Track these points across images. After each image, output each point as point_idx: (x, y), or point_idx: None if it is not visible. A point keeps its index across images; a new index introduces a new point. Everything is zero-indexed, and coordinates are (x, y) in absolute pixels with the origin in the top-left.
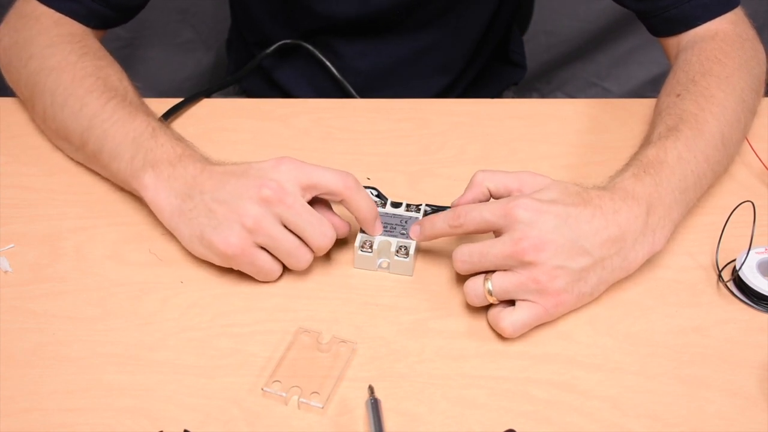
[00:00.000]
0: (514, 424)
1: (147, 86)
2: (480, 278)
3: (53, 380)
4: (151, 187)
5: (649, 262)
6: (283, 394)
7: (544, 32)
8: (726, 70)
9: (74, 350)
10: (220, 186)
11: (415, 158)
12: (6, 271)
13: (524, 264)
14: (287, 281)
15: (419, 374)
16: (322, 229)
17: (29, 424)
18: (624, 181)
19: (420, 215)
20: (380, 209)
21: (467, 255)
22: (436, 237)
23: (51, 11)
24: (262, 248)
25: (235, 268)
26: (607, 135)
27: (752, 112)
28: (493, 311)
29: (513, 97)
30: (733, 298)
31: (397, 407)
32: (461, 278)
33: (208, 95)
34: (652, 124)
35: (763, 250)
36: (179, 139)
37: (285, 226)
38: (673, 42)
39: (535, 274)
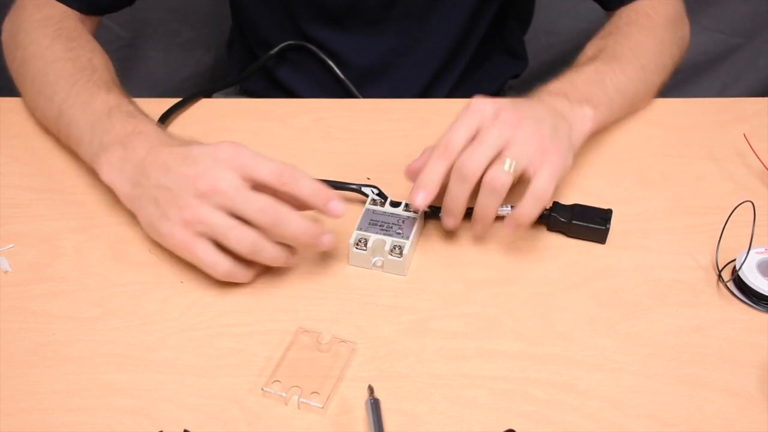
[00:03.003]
0: (514, 424)
1: (147, 86)
2: (497, 165)
3: (53, 380)
4: (105, 171)
5: (649, 262)
6: (283, 394)
7: (544, 32)
8: (650, 21)
9: (74, 350)
10: (162, 172)
11: (415, 158)
12: (6, 271)
13: (512, 122)
14: (287, 281)
15: (419, 374)
16: (257, 205)
17: (29, 424)
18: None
19: (417, 215)
20: (379, 208)
21: (471, 156)
22: (435, 182)
23: None
24: (216, 243)
25: (187, 259)
26: (607, 135)
27: (672, 59)
28: (512, 215)
29: (514, 96)
30: (733, 298)
31: (397, 407)
32: (461, 279)
33: (209, 95)
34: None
35: (763, 250)
36: (132, 115)
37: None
38: (621, 14)
39: (527, 129)
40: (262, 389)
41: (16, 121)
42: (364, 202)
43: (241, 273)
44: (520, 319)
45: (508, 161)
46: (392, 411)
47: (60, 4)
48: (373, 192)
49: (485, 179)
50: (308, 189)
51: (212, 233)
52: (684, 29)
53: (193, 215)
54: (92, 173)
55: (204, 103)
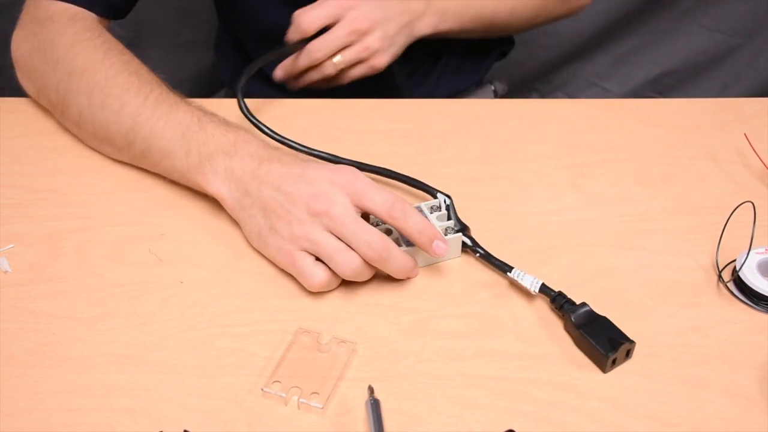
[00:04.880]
0: (514, 424)
1: None
2: (329, 60)
3: (53, 380)
4: (212, 181)
5: (649, 262)
6: (283, 395)
7: (544, 32)
8: None
9: (74, 350)
10: (275, 188)
11: (415, 158)
12: (6, 271)
13: (361, 33)
14: (287, 281)
15: (419, 374)
16: (365, 238)
17: (29, 424)
18: None
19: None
20: None
21: (320, 43)
22: (296, 71)
23: (63, 8)
24: (315, 257)
25: (285, 269)
26: (607, 135)
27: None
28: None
29: (509, 95)
30: (733, 299)
31: (397, 407)
32: (461, 279)
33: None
34: None
35: (763, 250)
36: (227, 124)
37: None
38: None
39: (371, 38)
40: (262, 389)
41: (16, 121)
42: None
43: (333, 283)
44: (520, 319)
45: (338, 57)
46: (392, 411)
47: (90, 14)
48: (445, 201)
49: (318, 66)
50: (415, 226)
51: (317, 252)
52: None
53: (302, 232)
54: (92, 173)
55: (204, 103)
